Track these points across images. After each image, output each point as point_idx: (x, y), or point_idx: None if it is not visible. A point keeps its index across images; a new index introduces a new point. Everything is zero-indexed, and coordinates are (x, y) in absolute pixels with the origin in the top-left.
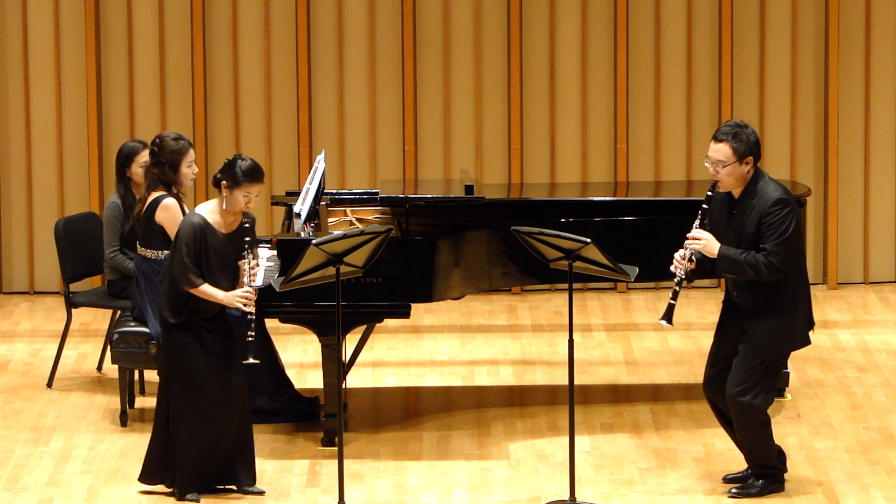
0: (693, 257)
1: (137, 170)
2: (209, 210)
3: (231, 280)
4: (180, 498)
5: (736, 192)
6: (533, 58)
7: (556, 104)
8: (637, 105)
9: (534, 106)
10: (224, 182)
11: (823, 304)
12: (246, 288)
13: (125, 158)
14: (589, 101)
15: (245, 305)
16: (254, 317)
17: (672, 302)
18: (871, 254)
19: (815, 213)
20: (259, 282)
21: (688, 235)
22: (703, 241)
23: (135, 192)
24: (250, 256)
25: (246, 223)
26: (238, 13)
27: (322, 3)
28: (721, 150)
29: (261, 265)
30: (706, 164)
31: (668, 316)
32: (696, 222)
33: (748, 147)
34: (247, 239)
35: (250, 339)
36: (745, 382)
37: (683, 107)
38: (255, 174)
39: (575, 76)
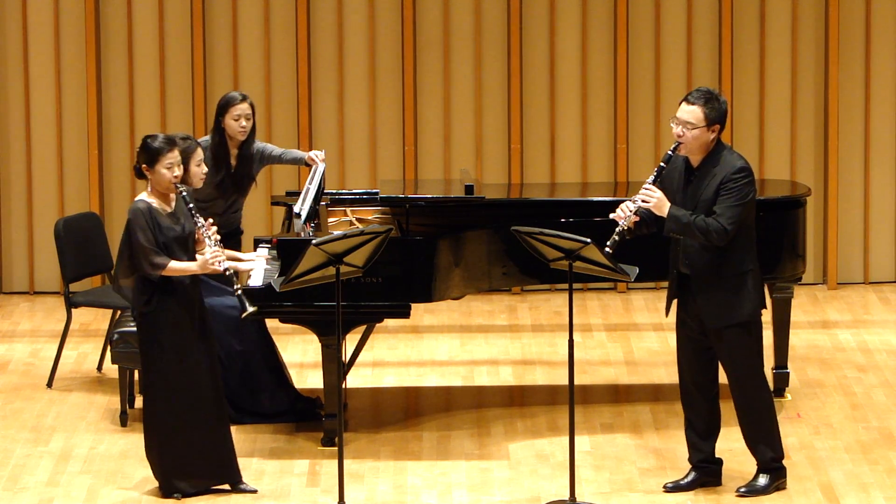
0: (638, 212)
1: (230, 122)
2: (148, 194)
3: (191, 257)
4: (166, 495)
5: (695, 160)
6: (533, 58)
7: (556, 104)
8: (637, 105)
9: (534, 106)
10: (144, 165)
11: (823, 304)
12: (212, 248)
13: (221, 108)
14: (589, 101)
15: (219, 264)
16: (231, 271)
17: (608, 250)
18: (871, 254)
19: (815, 213)
20: (215, 242)
21: (641, 190)
22: (654, 197)
23: (228, 143)
24: (199, 219)
25: (181, 192)
26: (238, 13)
27: (322, 3)
28: (693, 113)
29: (256, 262)
30: (672, 125)
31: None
32: (650, 178)
33: (718, 115)
34: (190, 206)
35: (238, 291)
36: (739, 372)
37: None
38: (169, 142)
39: (575, 76)
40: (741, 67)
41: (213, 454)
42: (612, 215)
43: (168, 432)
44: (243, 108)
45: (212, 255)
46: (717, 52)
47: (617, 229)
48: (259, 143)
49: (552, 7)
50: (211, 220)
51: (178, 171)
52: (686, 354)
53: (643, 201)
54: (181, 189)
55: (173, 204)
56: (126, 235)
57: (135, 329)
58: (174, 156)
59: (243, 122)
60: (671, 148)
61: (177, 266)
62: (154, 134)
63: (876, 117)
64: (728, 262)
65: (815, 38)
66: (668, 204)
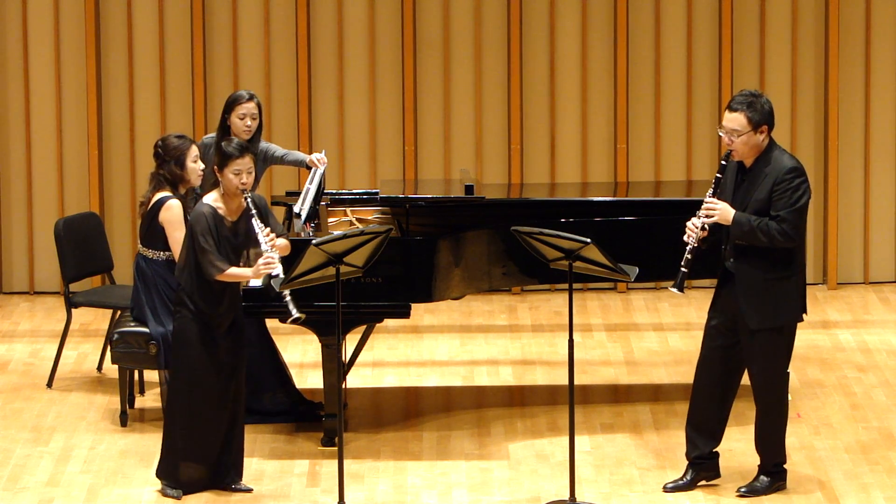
0: (706, 226)
1: (235, 120)
2: (214, 199)
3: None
4: (163, 494)
5: (748, 161)
6: (533, 58)
7: (556, 104)
8: (637, 105)
9: (534, 106)
10: (215, 167)
11: (823, 304)
12: (266, 255)
13: (227, 105)
14: (589, 101)
15: (271, 269)
16: (282, 278)
17: (684, 270)
18: (871, 254)
19: (815, 213)
20: (279, 242)
21: (703, 205)
22: (717, 209)
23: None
24: (258, 222)
25: (247, 197)
26: (238, 13)
27: (322, 3)
28: (736, 120)
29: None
30: (720, 133)
31: (679, 284)
32: (710, 191)
33: (763, 116)
34: (253, 211)
35: (287, 298)
36: (763, 374)
37: (683, 107)
38: (239, 149)
39: (575, 76)
40: (741, 68)
41: (220, 452)
42: (684, 237)
43: (184, 421)
44: (249, 107)
45: (264, 263)
46: (717, 52)
47: (688, 248)
48: (263, 143)
49: (552, 7)
50: (270, 228)
51: (247, 179)
52: (712, 355)
53: (707, 216)
54: (248, 195)
55: (239, 214)
56: (188, 238)
57: (135, 329)
58: (243, 162)
59: (248, 122)
60: (723, 157)
61: (234, 272)
62: (231, 138)
63: (876, 117)
64: (775, 264)
65: (815, 38)
66: (733, 211)
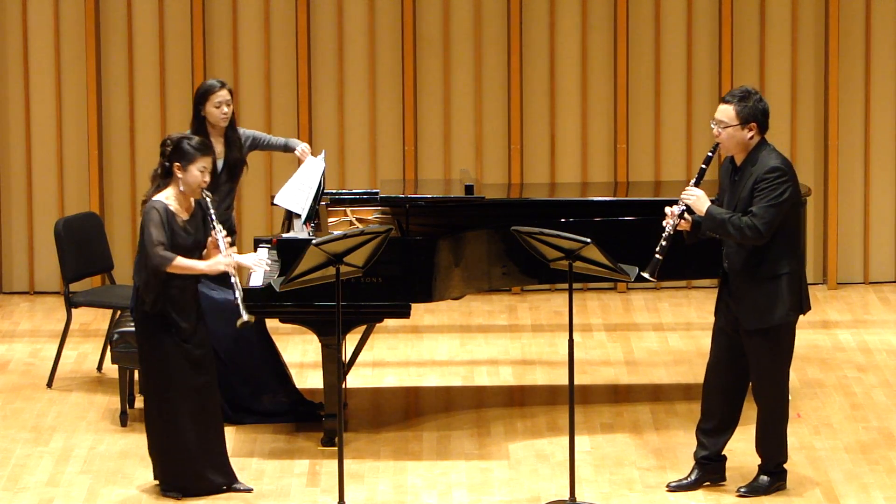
0: (686, 216)
1: (212, 109)
2: (167, 197)
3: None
4: (164, 492)
5: (738, 159)
6: (533, 57)
7: (556, 104)
8: (637, 105)
9: (534, 106)
10: (177, 164)
11: (823, 304)
12: (225, 253)
13: (200, 97)
14: (589, 101)
15: (230, 269)
16: (237, 279)
17: (658, 256)
18: (871, 254)
19: (815, 213)
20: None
21: (682, 193)
22: (694, 196)
23: (209, 133)
24: (215, 223)
25: (206, 196)
26: (238, 13)
27: (322, 3)
28: (725, 111)
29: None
30: (712, 125)
31: (652, 269)
32: (693, 181)
33: (752, 113)
34: (211, 212)
35: (238, 300)
36: (760, 374)
37: (683, 107)
38: (205, 146)
39: (575, 76)
40: (741, 67)
41: (210, 454)
42: (663, 222)
43: (167, 432)
44: (223, 94)
45: (226, 261)
46: (717, 52)
47: (664, 234)
48: (246, 131)
49: (552, 7)
50: (225, 233)
51: (208, 177)
52: (718, 353)
53: (684, 202)
54: (207, 194)
55: (190, 213)
56: (140, 232)
57: (135, 329)
58: (208, 160)
59: (225, 109)
60: (711, 148)
61: (183, 263)
62: (189, 136)
63: (876, 117)
64: (764, 264)
65: (815, 38)
66: (707, 203)
